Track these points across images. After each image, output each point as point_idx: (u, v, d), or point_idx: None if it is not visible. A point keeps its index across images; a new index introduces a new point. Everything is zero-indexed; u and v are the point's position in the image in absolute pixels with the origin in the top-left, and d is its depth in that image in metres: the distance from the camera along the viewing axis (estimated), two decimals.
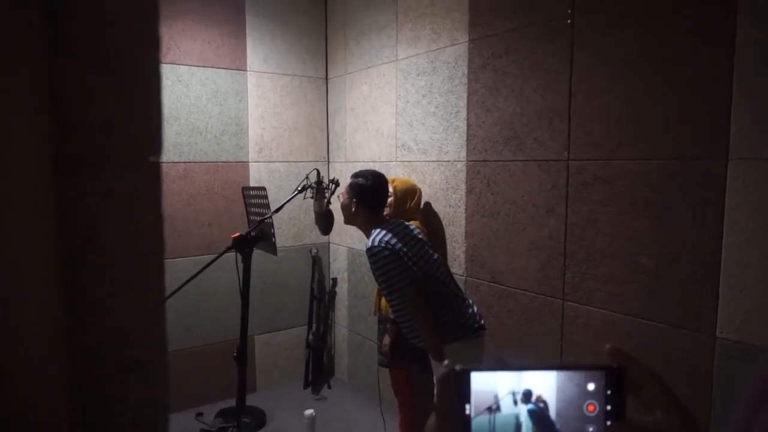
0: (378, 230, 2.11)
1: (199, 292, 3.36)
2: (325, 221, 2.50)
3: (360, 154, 3.50)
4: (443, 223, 2.74)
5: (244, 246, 2.08)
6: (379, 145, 3.29)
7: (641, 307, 1.87)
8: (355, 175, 2.22)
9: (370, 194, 2.16)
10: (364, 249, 2.07)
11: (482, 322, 2.15)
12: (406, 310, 2.02)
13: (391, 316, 2.47)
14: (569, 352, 2.13)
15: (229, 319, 3.40)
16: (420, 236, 2.21)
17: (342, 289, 3.84)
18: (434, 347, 2.02)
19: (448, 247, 2.70)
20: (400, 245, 2.03)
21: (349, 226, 2.75)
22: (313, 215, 2.80)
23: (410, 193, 2.64)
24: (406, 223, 2.24)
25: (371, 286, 3.42)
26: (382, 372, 2.70)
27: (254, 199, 2.35)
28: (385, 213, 2.59)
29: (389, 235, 2.04)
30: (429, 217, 2.81)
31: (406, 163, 3.04)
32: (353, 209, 2.20)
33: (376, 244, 2.00)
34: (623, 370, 0.43)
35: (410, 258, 2.03)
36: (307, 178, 2.43)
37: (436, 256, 2.15)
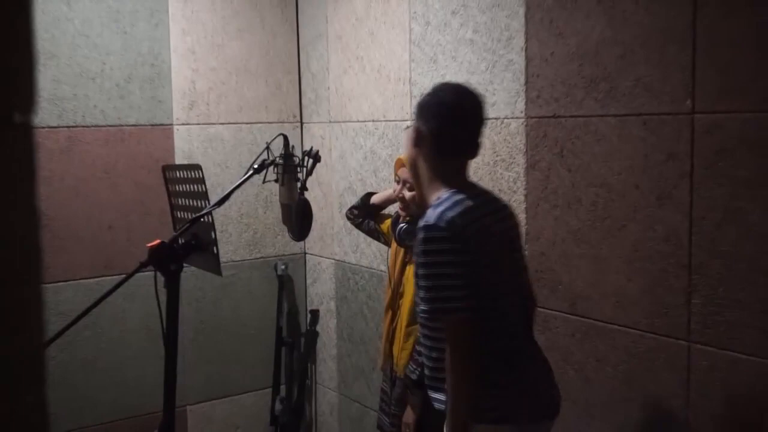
0: (449, 195, 1.92)
1: (96, 336, 3.39)
2: (299, 218, 2.51)
3: (353, 109, 3.51)
4: None
5: (167, 261, 2.10)
6: (384, 95, 3.30)
7: None
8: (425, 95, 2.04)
9: (440, 124, 1.94)
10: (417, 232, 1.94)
11: (557, 396, 2.04)
12: (439, 345, 1.92)
13: (412, 375, 2.53)
14: (702, 425, 2.13)
15: (147, 380, 3.42)
16: (516, 225, 2.12)
17: (327, 329, 3.87)
18: (459, 427, 1.87)
19: None
20: (478, 236, 1.90)
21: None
22: (279, 209, 2.80)
23: None
24: (501, 201, 2.11)
25: (375, 323, 3.43)
26: None
27: (183, 185, 2.36)
28: (402, 211, 2.69)
29: (465, 213, 1.90)
30: None
31: None
32: (416, 162, 2.01)
33: (432, 221, 1.86)
34: None
35: (486, 263, 1.92)
36: (268, 149, 2.43)
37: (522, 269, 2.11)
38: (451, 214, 1.87)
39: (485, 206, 2.00)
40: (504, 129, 2.67)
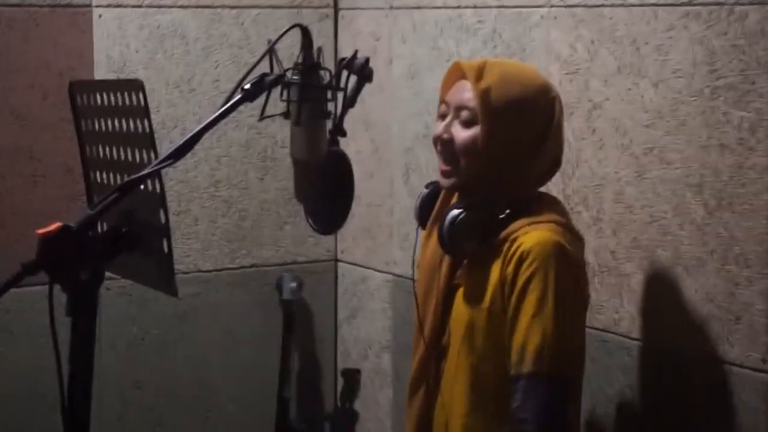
0: None
1: None
2: (327, 191, 2.53)
3: None
4: (701, 203, 2.75)
5: (74, 264, 2.10)
6: None
7: None
8: None
9: None
10: None
11: None
12: None
13: None
14: None
15: None
16: None
17: (376, 407, 3.91)
18: None
19: (736, 286, 2.70)
20: None
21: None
22: (289, 172, 2.80)
23: (539, 117, 2.67)
24: None
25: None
26: None
27: (108, 120, 2.36)
28: (445, 178, 2.68)
29: None
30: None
31: (576, 11, 3.06)
32: None
33: None
34: None
35: None
36: (272, 55, 2.42)
37: None
38: None
39: None
40: (734, 25, 2.65)
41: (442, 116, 2.67)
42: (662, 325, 2.82)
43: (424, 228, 2.77)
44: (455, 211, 2.56)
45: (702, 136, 2.72)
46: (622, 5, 2.91)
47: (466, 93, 2.59)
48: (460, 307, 2.64)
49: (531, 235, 2.50)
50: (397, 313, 3.76)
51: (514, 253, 2.50)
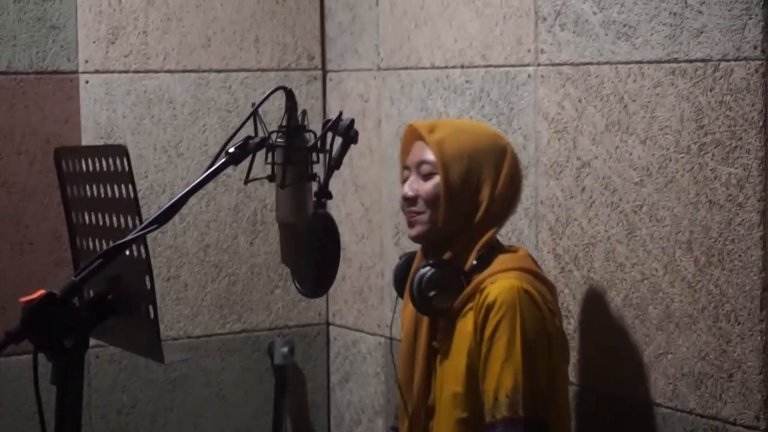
0: None
1: None
2: (315, 253, 2.53)
3: (424, 45, 3.56)
4: (691, 260, 2.75)
5: (59, 332, 2.08)
6: (484, 17, 3.33)
7: None
8: None
9: None
10: None
11: None
12: None
13: None
14: None
15: None
16: None
17: None
18: None
19: (708, 342, 2.71)
20: None
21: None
22: (276, 235, 2.82)
23: (491, 161, 2.77)
24: None
25: None
26: None
27: (94, 186, 2.36)
28: (413, 229, 2.84)
29: None
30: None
31: (564, 69, 3.08)
32: None
33: None
34: None
35: None
36: (256, 118, 2.43)
37: None
38: None
39: None
40: (720, 81, 2.67)
41: (405, 180, 2.77)
42: (655, 384, 2.82)
43: (401, 296, 2.84)
44: (422, 270, 2.66)
45: (691, 192, 2.74)
46: (608, 63, 2.93)
47: (423, 149, 2.72)
48: (442, 369, 2.69)
49: (497, 284, 2.59)
50: (390, 376, 3.73)
51: (483, 302, 2.58)
